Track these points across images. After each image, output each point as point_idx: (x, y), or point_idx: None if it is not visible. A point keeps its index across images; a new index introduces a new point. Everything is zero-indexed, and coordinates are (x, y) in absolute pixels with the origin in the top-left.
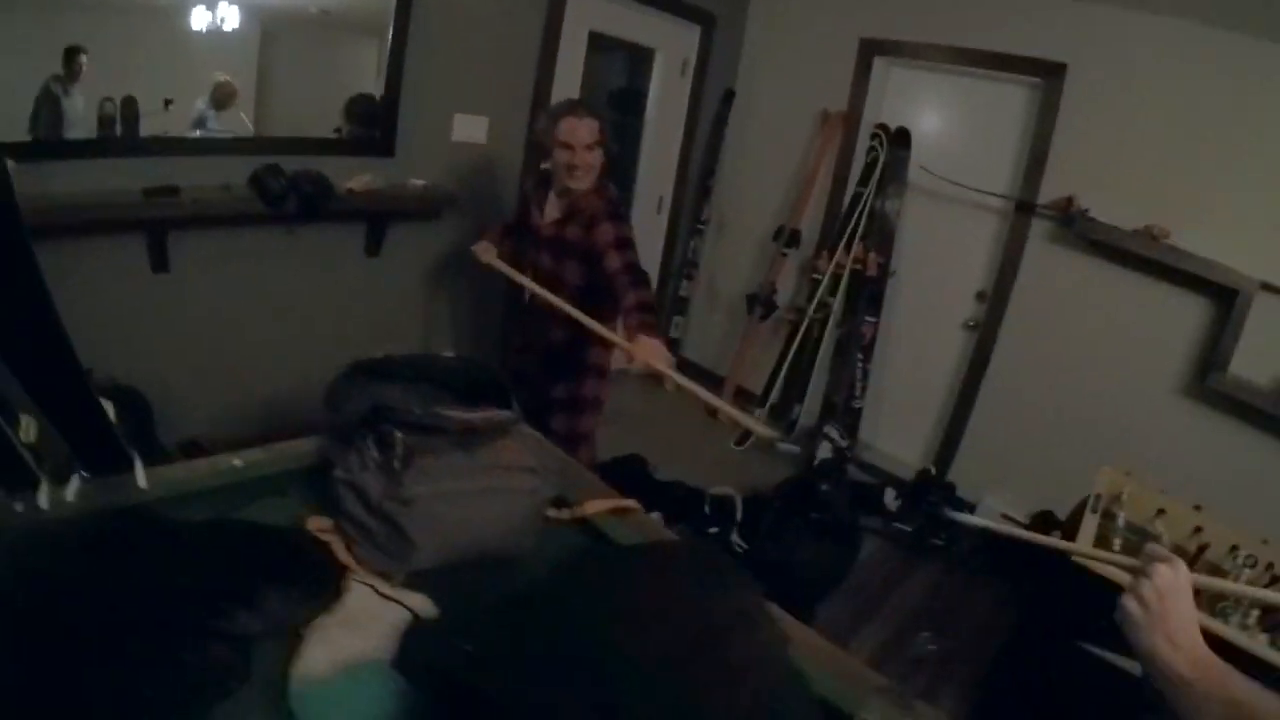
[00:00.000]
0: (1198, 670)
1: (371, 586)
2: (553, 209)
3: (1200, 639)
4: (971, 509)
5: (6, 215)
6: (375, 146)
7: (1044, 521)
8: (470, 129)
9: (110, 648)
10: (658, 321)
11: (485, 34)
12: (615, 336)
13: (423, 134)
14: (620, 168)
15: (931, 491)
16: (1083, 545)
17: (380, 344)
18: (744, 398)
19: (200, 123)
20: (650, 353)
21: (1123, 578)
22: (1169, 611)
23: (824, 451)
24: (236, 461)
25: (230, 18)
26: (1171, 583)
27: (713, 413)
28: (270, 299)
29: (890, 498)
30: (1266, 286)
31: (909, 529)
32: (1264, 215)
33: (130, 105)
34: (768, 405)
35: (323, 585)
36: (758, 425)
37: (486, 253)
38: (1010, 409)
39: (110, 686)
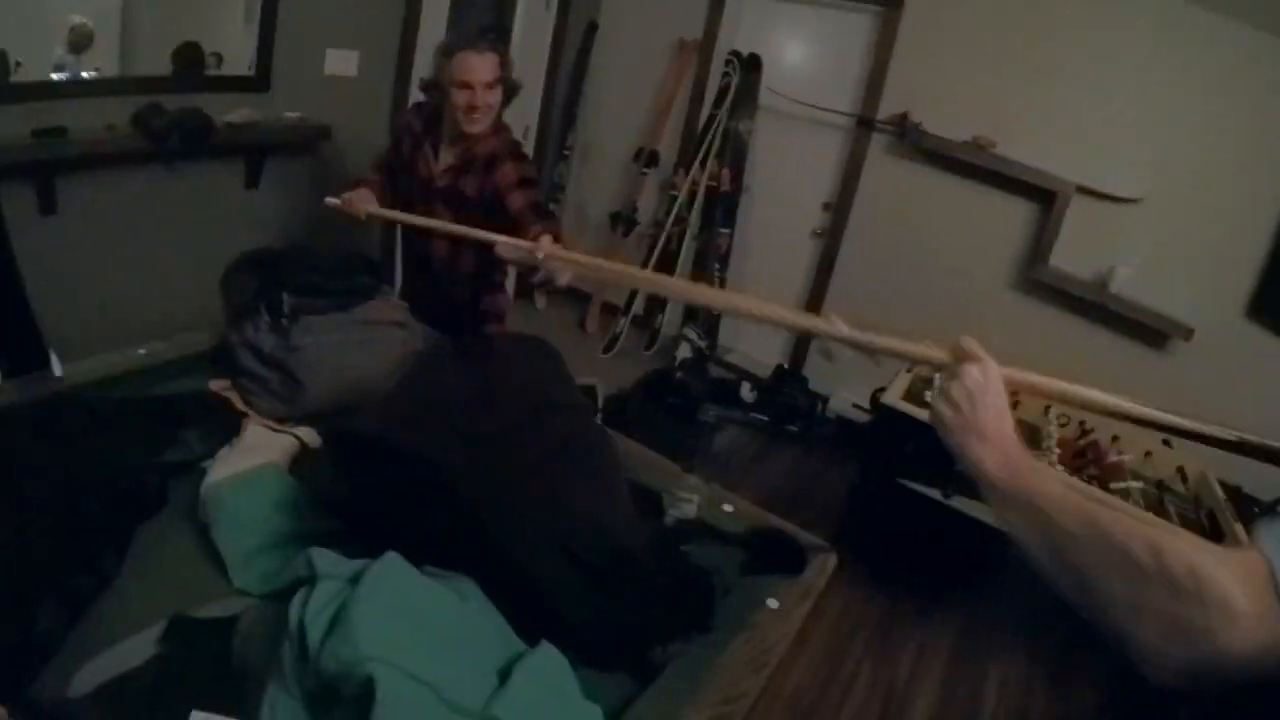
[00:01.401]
0: (1006, 469)
1: (267, 426)
2: (446, 155)
3: (1011, 434)
4: (824, 401)
5: None
6: (251, 82)
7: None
8: (342, 63)
9: (60, 488)
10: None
11: None
12: (529, 244)
13: (296, 69)
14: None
15: (786, 383)
16: (893, 398)
17: None
18: (610, 311)
19: (59, 68)
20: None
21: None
22: (978, 410)
23: (684, 352)
24: (141, 350)
25: None
26: (979, 383)
27: (581, 324)
28: (157, 235)
29: (746, 390)
30: (1081, 189)
31: (766, 418)
32: (1077, 125)
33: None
34: (630, 315)
35: (221, 425)
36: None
37: (364, 201)
38: (856, 308)
39: (62, 513)
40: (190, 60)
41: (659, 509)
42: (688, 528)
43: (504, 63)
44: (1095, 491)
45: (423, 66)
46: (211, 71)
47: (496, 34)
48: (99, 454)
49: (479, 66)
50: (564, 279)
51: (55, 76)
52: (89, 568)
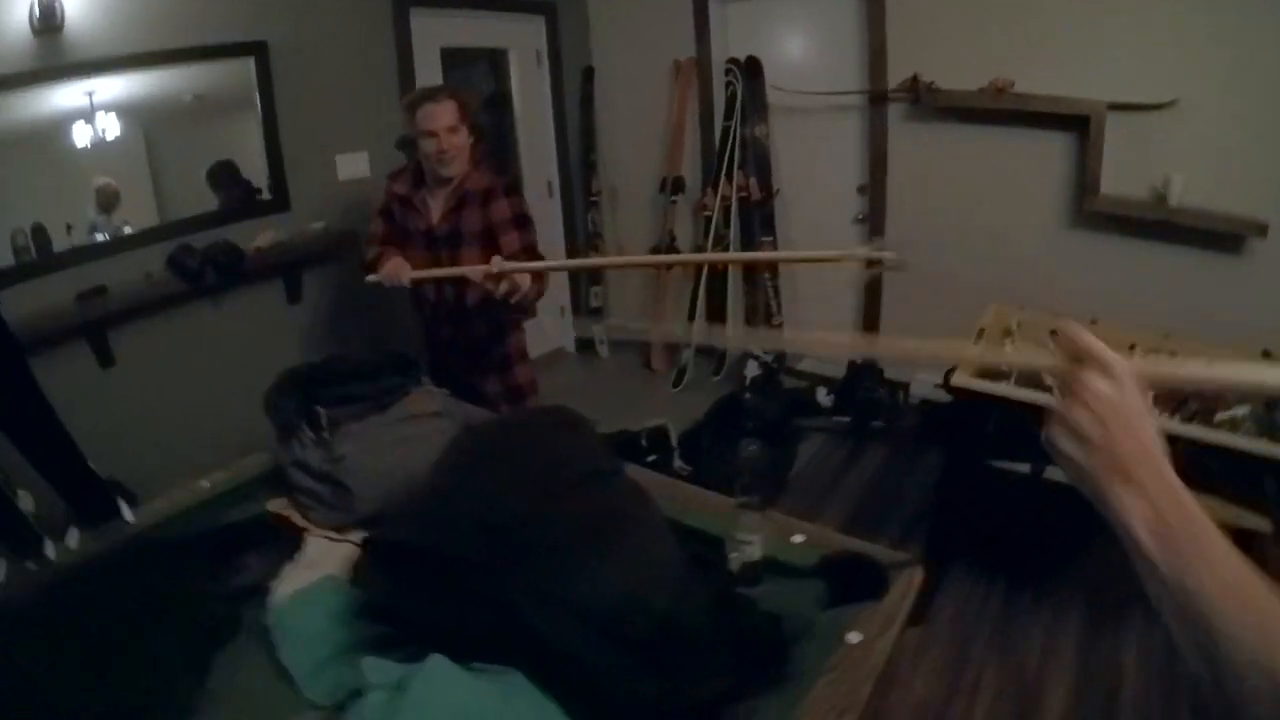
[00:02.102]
0: (1157, 536)
1: (326, 536)
2: (438, 204)
3: (1163, 470)
4: (905, 389)
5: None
6: (271, 205)
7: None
8: (353, 166)
9: (134, 629)
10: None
11: (344, 76)
12: (483, 266)
13: (311, 182)
14: (503, 160)
15: (863, 379)
16: (964, 378)
17: None
18: (672, 345)
19: (92, 229)
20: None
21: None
22: (1114, 439)
23: (752, 370)
24: (204, 483)
25: (110, 126)
26: (1109, 399)
27: (647, 363)
28: (211, 366)
29: (823, 395)
30: (1114, 106)
31: (848, 419)
32: (1091, 42)
33: (40, 233)
34: (694, 345)
35: (287, 546)
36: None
37: (402, 269)
38: (914, 284)
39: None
40: (225, 176)
41: (723, 555)
42: (753, 570)
43: (463, 106)
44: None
45: None
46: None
47: (452, 89)
48: (168, 590)
49: (438, 114)
50: (526, 287)
51: (95, 237)
52: (168, 703)
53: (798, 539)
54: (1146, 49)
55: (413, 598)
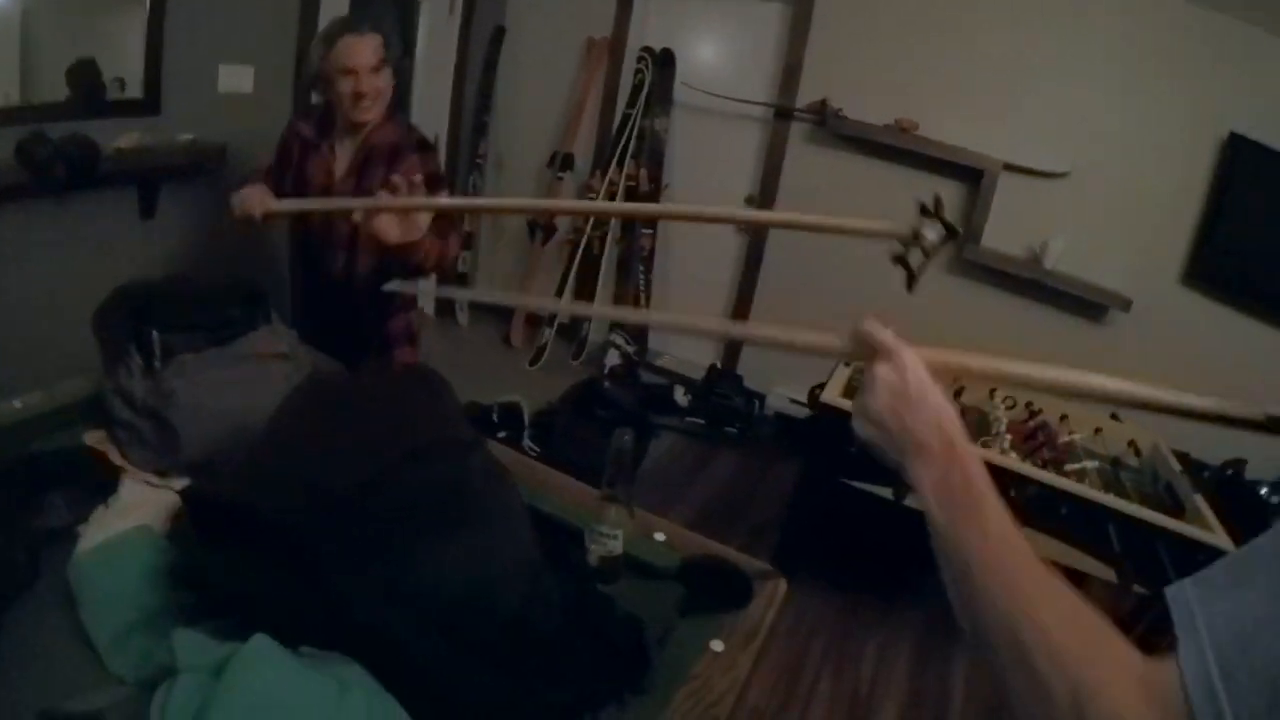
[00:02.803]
0: (940, 502)
1: (145, 480)
2: (344, 155)
3: (961, 445)
4: (761, 399)
5: None
6: (141, 105)
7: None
8: (236, 79)
9: None
10: (442, 248)
11: None
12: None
13: (188, 88)
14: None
15: (722, 385)
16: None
17: None
18: (534, 323)
19: None
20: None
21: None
22: (905, 418)
23: (613, 359)
24: (16, 404)
25: None
26: (894, 383)
27: (506, 339)
28: (47, 274)
29: (680, 394)
30: (1009, 166)
31: (702, 422)
32: (999, 103)
33: None
34: (555, 324)
35: (100, 486)
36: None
37: (262, 199)
38: (786, 301)
39: None
40: (86, 82)
41: (582, 547)
42: (613, 566)
43: (388, 44)
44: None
45: None
46: (114, 97)
47: (375, 19)
48: None
49: (361, 50)
50: (424, 228)
51: None
52: None
53: (660, 537)
54: (1049, 119)
55: (234, 566)
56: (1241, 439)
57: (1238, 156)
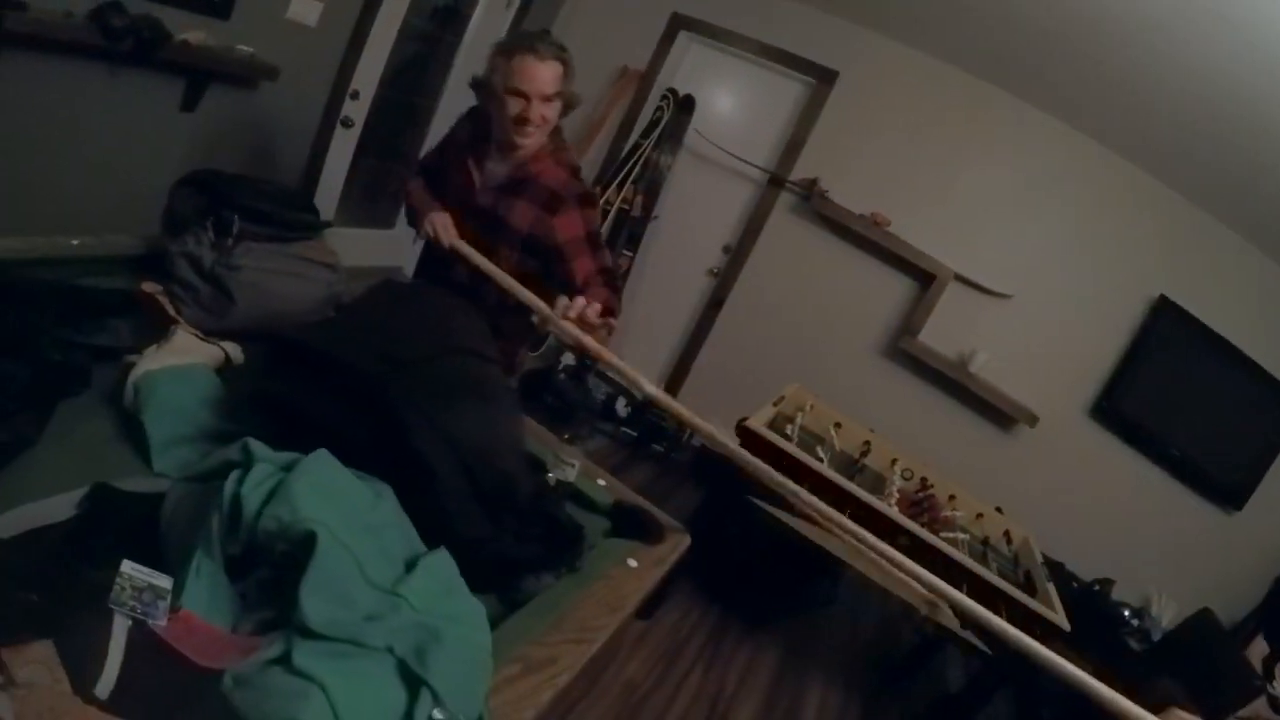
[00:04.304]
0: None
1: (194, 334)
2: (493, 171)
3: None
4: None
5: None
6: (213, 6)
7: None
8: (304, 10)
9: None
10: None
11: None
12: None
13: (261, 4)
14: (432, 85)
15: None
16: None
17: None
18: None
19: None
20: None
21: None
22: None
23: (569, 359)
24: (74, 241)
25: None
26: None
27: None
28: (85, 131)
29: (621, 405)
30: (959, 277)
31: (634, 433)
32: (964, 220)
33: None
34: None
35: (153, 323)
36: None
37: (447, 230)
38: (735, 348)
39: None
40: None
41: (542, 469)
42: (565, 489)
43: (566, 74)
44: None
45: (382, 36)
46: None
47: (559, 44)
48: (26, 323)
49: (539, 75)
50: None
51: None
52: (7, 426)
53: (601, 483)
54: (1005, 244)
55: (305, 400)
56: (1115, 561)
57: (1163, 317)
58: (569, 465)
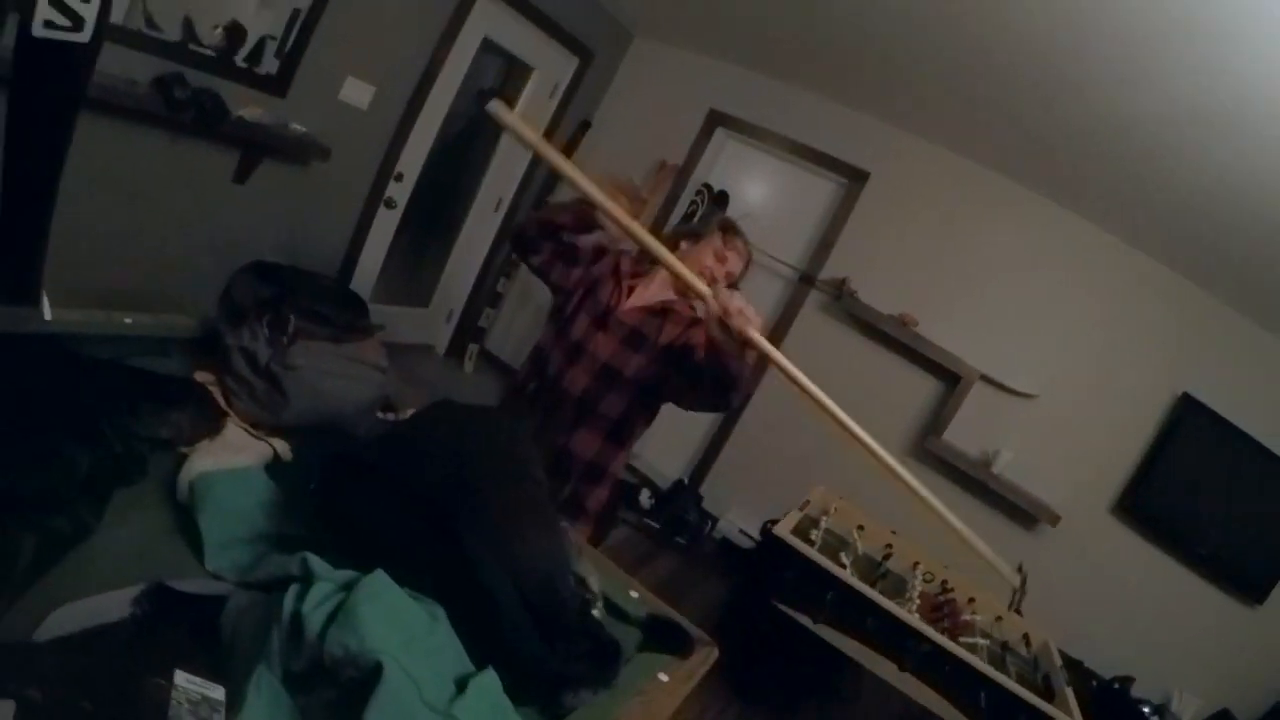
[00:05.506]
0: None
1: (245, 429)
2: (646, 297)
3: None
4: (714, 521)
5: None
6: (272, 83)
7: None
8: (357, 93)
9: (46, 428)
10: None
11: (398, 12)
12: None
13: (315, 85)
14: (473, 165)
15: (681, 498)
16: (782, 530)
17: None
18: None
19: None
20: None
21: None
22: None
23: None
24: (127, 319)
25: None
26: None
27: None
28: (142, 197)
29: (645, 497)
30: (985, 378)
31: (658, 525)
32: (991, 322)
33: None
34: None
35: (208, 416)
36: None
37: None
38: (761, 443)
39: (46, 454)
40: (233, 40)
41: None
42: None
43: (747, 269)
44: None
45: (429, 119)
46: (250, 66)
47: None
48: (89, 407)
49: (738, 258)
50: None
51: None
52: (69, 514)
53: (634, 594)
54: (1029, 345)
55: (368, 510)
56: (1136, 657)
57: (1186, 415)
58: (590, 574)
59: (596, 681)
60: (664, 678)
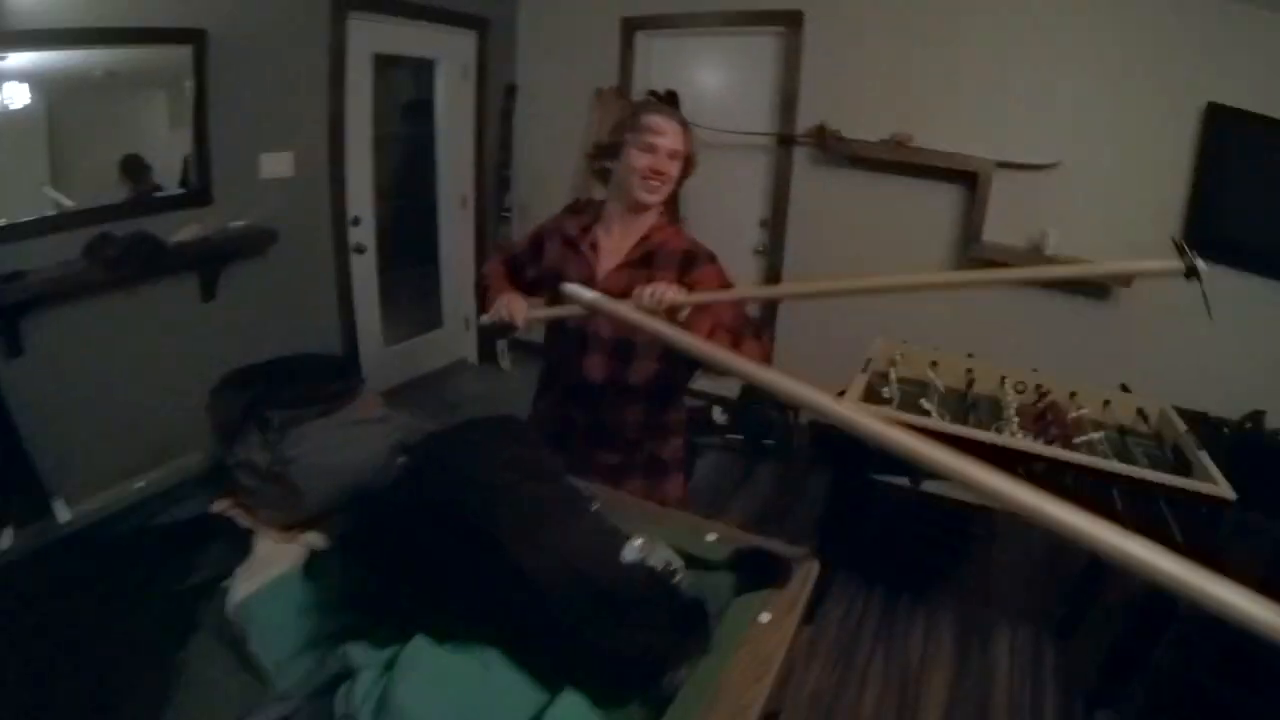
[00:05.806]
0: None
1: (274, 537)
2: (618, 247)
3: None
4: (795, 410)
5: None
6: (194, 197)
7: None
8: (277, 165)
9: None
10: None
11: (277, 73)
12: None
13: (234, 177)
14: (424, 176)
15: (754, 400)
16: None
17: None
18: None
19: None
20: None
21: None
22: None
23: None
24: (139, 483)
25: (19, 96)
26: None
27: None
28: (124, 360)
29: (718, 413)
30: (1001, 164)
31: (741, 438)
32: (986, 105)
33: None
34: None
35: (235, 543)
36: None
37: (522, 306)
38: (806, 316)
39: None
40: (135, 170)
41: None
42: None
43: (687, 135)
44: None
45: (358, 154)
46: (167, 192)
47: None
48: (122, 593)
49: (668, 130)
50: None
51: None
52: (138, 697)
53: (711, 537)
54: (1035, 114)
55: (393, 575)
56: (1261, 393)
57: (1218, 125)
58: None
59: (687, 651)
60: (765, 618)
